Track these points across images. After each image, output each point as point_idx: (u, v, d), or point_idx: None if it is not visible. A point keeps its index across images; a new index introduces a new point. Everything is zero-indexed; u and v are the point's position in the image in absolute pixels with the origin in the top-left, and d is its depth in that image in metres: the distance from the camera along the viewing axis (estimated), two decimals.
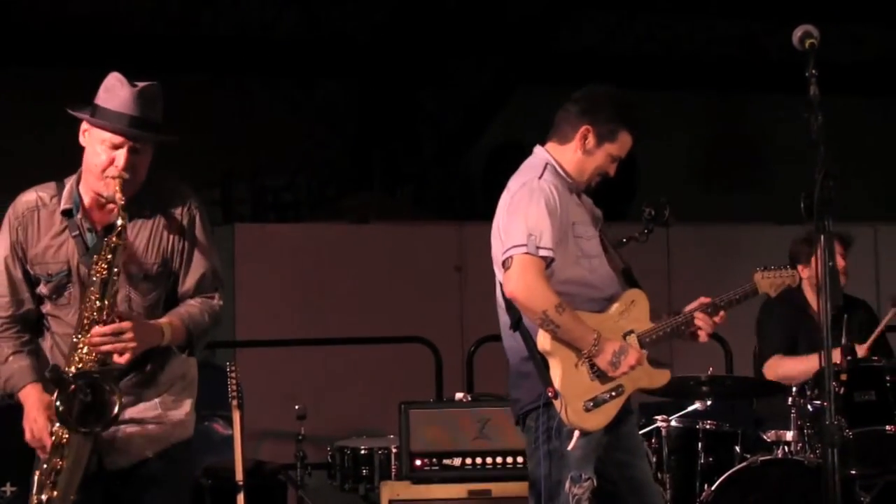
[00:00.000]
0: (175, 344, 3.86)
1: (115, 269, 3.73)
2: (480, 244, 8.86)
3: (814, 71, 3.54)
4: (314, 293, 8.58)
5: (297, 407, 6.09)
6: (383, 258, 8.79)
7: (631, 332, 4.34)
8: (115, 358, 3.71)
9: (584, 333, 4.15)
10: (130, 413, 3.85)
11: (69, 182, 3.90)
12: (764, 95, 10.04)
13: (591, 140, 4.35)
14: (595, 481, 4.17)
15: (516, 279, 4.14)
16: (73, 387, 3.66)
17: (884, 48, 9.78)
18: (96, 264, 3.74)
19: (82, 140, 3.84)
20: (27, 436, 3.84)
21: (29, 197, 3.90)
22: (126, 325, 3.70)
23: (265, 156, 9.81)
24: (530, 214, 4.18)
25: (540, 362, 4.17)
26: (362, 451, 5.97)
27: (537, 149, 4.47)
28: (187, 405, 4.00)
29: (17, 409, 3.99)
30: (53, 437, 3.74)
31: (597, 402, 4.16)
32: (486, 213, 10.40)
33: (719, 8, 9.20)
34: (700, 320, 4.52)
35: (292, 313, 8.45)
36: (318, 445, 6.24)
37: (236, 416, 5.42)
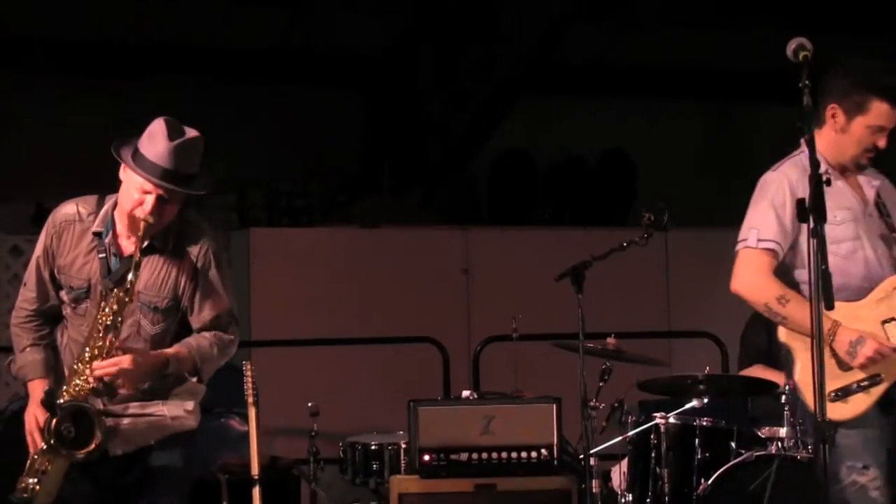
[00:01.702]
0: (181, 372, 4.00)
1: (119, 319, 3.87)
2: (486, 247, 9.04)
3: (807, 82, 3.54)
4: (326, 295, 8.60)
5: (310, 404, 6.11)
6: (392, 261, 8.81)
7: (891, 319, 4.07)
8: (120, 390, 3.88)
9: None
10: (134, 409, 3.96)
11: (108, 203, 4.04)
12: (759, 104, 10.04)
13: (840, 118, 4.16)
14: (876, 471, 3.99)
15: (737, 274, 4.12)
16: (56, 421, 3.80)
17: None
18: (103, 311, 3.88)
19: (121, 175, 3.98)
20: (27, 426, 4.00)
21: (69, 209, 4.06)
22: (126, 357, 3.84)
23: (279, 163, 9.83)
24: (756, 209, 4.17)
25: (785, 354, 4.10)
26: (373, 447, 5.98)
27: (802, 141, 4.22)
28: (190, 404, 4.08)
29: None
30: (44, 445, 3.87)
31: (844, 392, 3.98)
32: (492, 217, 10.47)
33: (715, 21, 9.20)
34: None
35: (306, 314, 8.47)
36: (330, 441, 6.25)
37: (252, 413, 5.42)
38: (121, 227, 3.99)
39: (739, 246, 4.15)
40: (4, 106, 9.01)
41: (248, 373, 5.48)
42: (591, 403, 5.58)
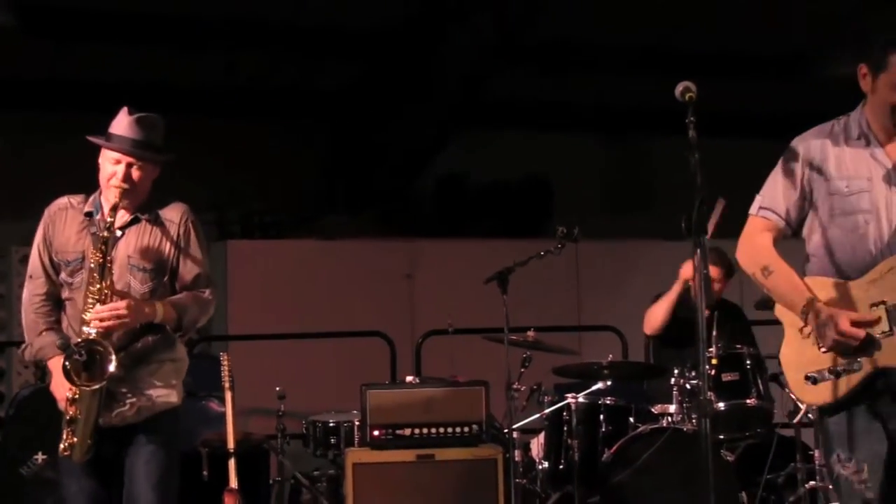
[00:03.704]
0: (167, 322, 3.92)
1: (109, 257, 3.83)
2: (427, 256, 9.06)
3: (692, 118, 3.39)
4: (292, 296, 8.57)
5: (277, 388, 6.08)
6: (348, 268, 8.80)
7: (881, 302, 3.24)
8: (112, 329, 3.79)
9: (795, 299, 3.28)
10: (125, 387, 3.90)
11: (95, 193, 4.06)
12: (654, 137, 10.12)
13: (868, 77, 3.38)
14: (862, 465, 3.21)
15: (739, 242, 3.49)
16: (75, 354, 3.76)
17: (744, 100, 9.89)
18: (93, 254, 3.85)
19: (100, 160, 4.01)
20: (56, 395, 3.93)
21: (61, 201, 4.08)
22: (122, 302, 3.80)
23: (252, 185, 9.78)
24: (770, 176, 3.50)
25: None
26: (331, 424, 5.96)
27: None
28: (173, 384, 4.03)
29: (46, 392, 4.06)
30: (69, 393, 3.81)
31: (821, 376, 3.24)
32: (431, 230, 10.48)
33: (619, 67, 9.27)
34: None
35: (275, 313, 8.44)
36: (295, 420, 6.22)
37: (228, 396, 5.40)
38: (107, 208, 3.95)
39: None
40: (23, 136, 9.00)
41: (226, 363, 5.46)
42: (514, 386, 5.61)
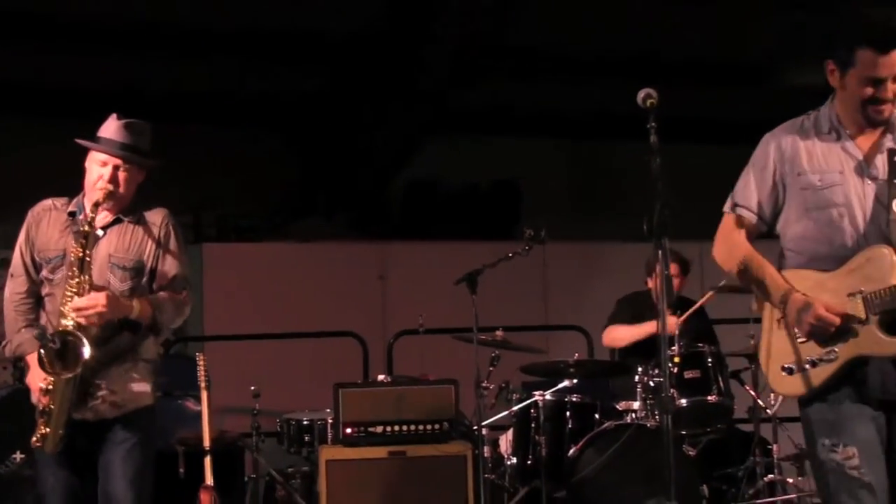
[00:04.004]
0: (143, 319, 3.92)
1: (88, 252, 3.84)
2: (399, 258, 9.06)
3: (653, 124, 3.39)
4: (268, 298, 8.56)
5: (252, 388, 6.08)
6: (321, 269, 8.79)
7: (859, 292, 3.17)
8: (90, 321, 3.78)
9: (772, 291, 3.25)
10: (99, 381, 3.89)
11: (78, 195, 4.07)
12: (617, 142, 10.17)
13: (836, 73, 3.29)
14: (851, 449, 3.11)
15: (714, 240, 3.44)
16: (49, 342, 3.76)
17: (709, 107, 9.96)
18: (74, 248, 3.86)
19: (86, 164, 4.02)
20: (31, 386, 3.92)
21: (46, 202, 4.10)
22: (100, 294, 3.80)
23: (229, 189, 9.76)
24: (743, 173, 3.42)
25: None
26: (305, 422, 5.96)
27: None
28: (147, 381, 4.02)
29: (24, 392, 4.03)
30: (43, 384, 3.81)
31: (798, 367, 3.19)
32: (405, 233, 10.51)
33: (593, 73, 9.31)
34: None
35: (250, 314, 8.42)
36: (269, 418, 6.21)
37: (204, 395, 5.39)
38: (90, 208, 3.94)
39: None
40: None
41: (201, 363, 5.45)
42: (483, 384, 5.61)
